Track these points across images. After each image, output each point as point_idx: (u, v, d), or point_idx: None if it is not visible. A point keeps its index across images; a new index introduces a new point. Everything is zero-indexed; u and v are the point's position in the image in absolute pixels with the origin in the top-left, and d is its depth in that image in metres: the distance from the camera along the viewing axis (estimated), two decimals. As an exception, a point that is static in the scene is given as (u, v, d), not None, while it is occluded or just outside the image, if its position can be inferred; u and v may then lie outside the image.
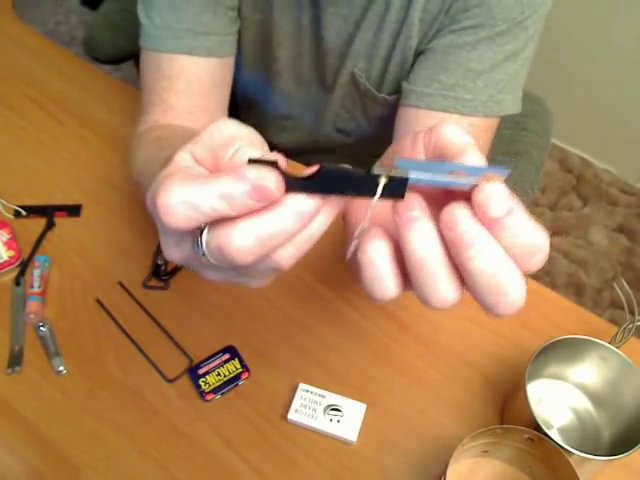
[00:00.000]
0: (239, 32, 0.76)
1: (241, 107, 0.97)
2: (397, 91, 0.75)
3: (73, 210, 0.78)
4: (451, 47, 0.67)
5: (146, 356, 0.66)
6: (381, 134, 0.87)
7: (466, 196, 0.31)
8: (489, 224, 0.30)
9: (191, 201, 0.30)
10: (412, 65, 0.72)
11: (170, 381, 0.65)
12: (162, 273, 0.72)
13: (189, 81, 0.69)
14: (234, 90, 0.91)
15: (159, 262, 0.73)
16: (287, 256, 0.32)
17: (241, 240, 0.30)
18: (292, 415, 0.62)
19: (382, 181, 0.30)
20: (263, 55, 0.82)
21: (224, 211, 0.30)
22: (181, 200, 0.30)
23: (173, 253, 0.36)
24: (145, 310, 0.70)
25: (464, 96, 0.67)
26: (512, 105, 0.70)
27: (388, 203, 0.31)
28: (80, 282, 0.72)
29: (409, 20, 0.68)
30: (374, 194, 0.30)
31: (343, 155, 0.95)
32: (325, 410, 0.62)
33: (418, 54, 0.71)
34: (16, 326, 0.68)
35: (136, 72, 1.28)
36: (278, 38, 0.77)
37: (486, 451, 0.59)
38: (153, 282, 0.72)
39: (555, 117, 1.06)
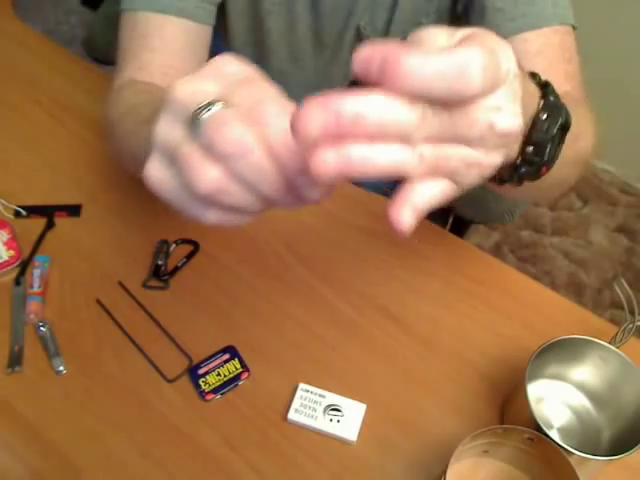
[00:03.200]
0: (226, 7, 0.76)
1: None
2: (404, 37, 0.75)
3: (73, 210, 0.78)
4: None
5: (146, 356, 0.66)
6: None
7: None
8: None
9: None
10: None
11: (170, 381, 0.65)
12: (162, 273, 0.72)
13: (164, 39, 0.68)
14: None
15: (159, 262, 0.73)
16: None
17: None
18: (292, 415, 0.62)
19: None
20: (254, 30, 0.80)
21: None
22: None
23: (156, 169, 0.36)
24: (145, 310, 0.70)
25: (531, 9, 0.65)
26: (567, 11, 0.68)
27: None
28: (80, 282, 0.72)
29: None
30: None
31: None
32: (325, 410, 0.62)
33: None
34: (16, 326, 0.68)
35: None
36: (267, 5, 0.76)
37: (486, 451, 0.59)
38: (153, 282, 0.72)
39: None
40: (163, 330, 0.68)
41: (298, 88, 0.87)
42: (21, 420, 0.63)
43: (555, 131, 0.42)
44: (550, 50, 0.67)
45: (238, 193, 0.34)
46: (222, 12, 0.82)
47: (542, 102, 0.41)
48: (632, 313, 0.60)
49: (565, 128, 0.43)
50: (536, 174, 0.44)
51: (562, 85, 0.61)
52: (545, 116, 0.41)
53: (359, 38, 0.78)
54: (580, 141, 0.54)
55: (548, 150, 0.42)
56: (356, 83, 0.30)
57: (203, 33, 0.72)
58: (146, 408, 0.63)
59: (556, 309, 0.71)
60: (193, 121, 0.34)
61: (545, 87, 0.43)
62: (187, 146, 0.34)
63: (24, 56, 0.96)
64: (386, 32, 0.76)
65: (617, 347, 0.59)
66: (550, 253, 1.74)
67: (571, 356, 0.62)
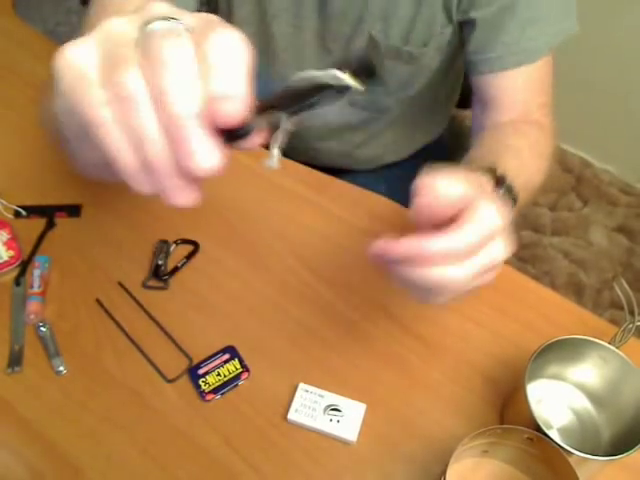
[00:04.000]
0: (231, 12, 0.76)
1: None
2: (425, 44, 0.77)
3: (73, 210, 0.78)
4: (501, 9, 0.70)
5: (146, 356, 0.66)
6: (393, 105, 0.87)
7: None
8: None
9: None
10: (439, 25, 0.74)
11: (170, 381, 0.65)
12: (162, 273, 0.72)
13: None
14: None
15: (159, 262, 0.73)
16: None
17: None
18: (292, 415, 0.62)
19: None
20: (259, 35, 0.80)
21: None
22: None
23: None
24: (144, 310, 0.70)
25: (530, 45, 0.72)
26: (569, 25, 0.75)
27: None
28: (80, 282, 0.72)
29: None
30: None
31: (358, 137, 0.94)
32: (325, 410, 0.62)
33: (462, 20, 0.74)
34: (16, 326, 0.68)
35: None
36: (273, 10, 0.75)
37: (486, 451, 0.59)
38: (153, 282, 0.72)
39: (555, 117, 1.07)
40: (163, 330, 0.68)
41: None
42: (21, 420, 0.63)
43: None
44: (530, 85, 0.76)
45: (116, 137, 0.32)
46: (227, 18, 0.82)
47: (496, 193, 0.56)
48: (632, 313, 0.60)
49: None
50: None
51: (533, 114, 0.76)
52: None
53: (371, 46, 0.77)
54: (527, 189, 0.67)
55: None
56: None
57: None
58: (146, 408, 0.63)
59: (556, 309, 0.71)
60: (146, 24, 0.33)
61: (501, 181, 0.57)
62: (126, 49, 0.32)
63: (24, 56, 0.96)
64: (405, 42, 0.76)
65: (617, 347, 0.59)
66: (550, 253, 1.74)
67: (571, 356, 0.62)
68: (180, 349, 0.67)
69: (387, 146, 0.98)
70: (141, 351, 0.67)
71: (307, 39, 0.78)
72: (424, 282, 0.45)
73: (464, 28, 0.75)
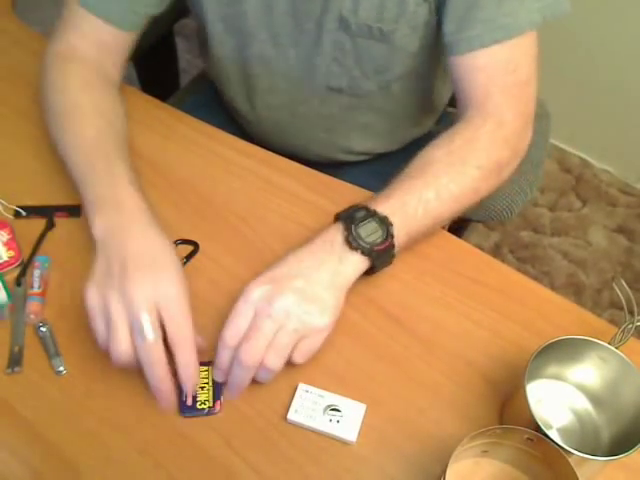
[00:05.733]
0: None
1: (224, 90, 0.96)
2: (395, 21, 0.76)
3: (73, 210, 0.78)
4: None
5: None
6: (374, 92, 0.87)
7: None
8: None
9: None
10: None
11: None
12: (162, 273, 0.72)
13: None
14: (216, 70, 0.92)
15: (159, 262, 0.73)
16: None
17: None
18: (292, 415, 0.62)
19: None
20: (232, 17, 0.81)
21: None
22: None
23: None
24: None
25: (507, 21, 0.70)
26: (558, 2, 0.72)
27: None
28: (80, 282, 0.72)
29: None
30: None
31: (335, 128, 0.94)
32: (325, 410, 0.62)
33: None
34: (16, 326, 0.68)
35: (135, 73, 1.28)
36: None
37: (486, 451, 0.59)
38: (153, 282, 0.72)
39: (554, 117, 1.07)
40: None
41: (283, 81, 0.87)
42: (21, 420, 0.63)
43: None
44: (493, 66, 0.73)
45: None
46: (198, 2, 0.82)
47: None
48: (632, 313, 0.60)
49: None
50: (389, 257, 0.67)
51: (496, 97, 0.73)
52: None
53: (343, 26, 0.77)
54: (460, 199, 0.70)
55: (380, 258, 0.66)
56: None
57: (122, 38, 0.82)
58: (146, 408, 0.63)
59: (556, 309, 0.72)
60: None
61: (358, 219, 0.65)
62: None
63: (24, 56, 0.96)
64: (376, 20, 0.75)
65: (616, 347, 0.59)
66: (549, 253, 1.74)
67: (571, 356, 0.62)
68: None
69: (376, 137, 0.98)
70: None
71: (280, 18, 0.79)
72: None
73: (439, 7, 0.74)
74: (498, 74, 0.73)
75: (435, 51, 0.83)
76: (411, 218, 0.67)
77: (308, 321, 0.61)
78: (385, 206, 0.66)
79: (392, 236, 0.65)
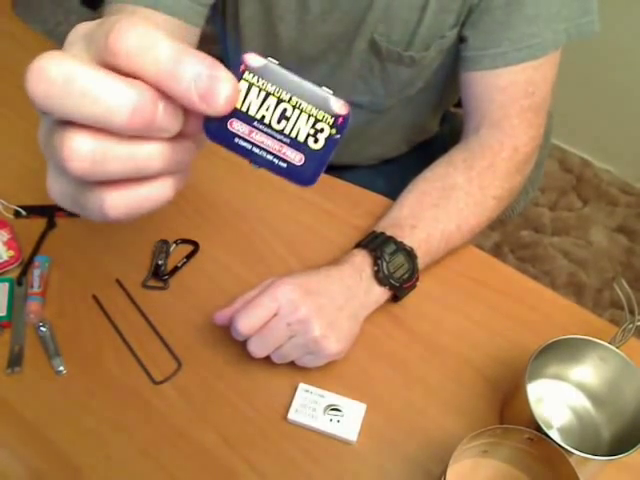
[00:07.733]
0: (238, 12, 0.76)
1: None
2: (426, 49, 0.76)
3: (73, 210, 0.78)
4: (507, 4, 0.69)
5: (135, 355, 0.66)
6: (394, 106, 0.87)
7: None
8: None
9: None
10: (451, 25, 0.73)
11: (157, 383, 0.65)
12: (162, 273, 0.72)
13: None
14: None
15: (159, 262, 0.73)
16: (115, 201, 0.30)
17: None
18: (292, 415, 0.62)
19: None
20: (265, 35, 0.80)
21: None
22: None
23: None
24: (139, 310, 0.70)
25: (534, 42, 0.70)
26: (584, 22, 0.72)
27: None
28: (80, 282, 0.72)
29: None
30: None
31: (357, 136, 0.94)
32: (325, 410, 0.62)
33: (468, 13, 0.72)
34: (16, 326, 0.68)
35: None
36: (279, 11, 0.76)
37: (486, 451, 0.59)
38: (153, 282, 0.72)
39: (555, 117, 1.06)
40: (155, 331, 0.68)
41: None
42: (21, 420, 0.63)
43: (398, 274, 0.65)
44: (513, 87, 0.73)
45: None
46: (234, 19, 0.82)
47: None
48: (632, 313, 0.60)
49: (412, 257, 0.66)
50: (410, 286, 0.67)
51: (513, 120, 0.74)
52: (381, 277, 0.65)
53: (374, 50, 0.78)
54: (475, 229, 0.72)
55: (399, 282, 0.66)
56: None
57: (189, 34, 0.71)
58: (146, 408, 0.63)
59: (556, 309, 0.71)
60: None
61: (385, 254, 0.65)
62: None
63: (24, 56, 0.96)
64: (408, 44, 0.76)
65: (617, 347, 0.59)
66: (550, 253, 1.74)
67: (571, 356, 0.62)
68: (170, 352, 0.67)
69: (389, 145, 0.98)
70: (131, 351, 0.66)
71: (312, 41, 0.79)
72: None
73: (466, 24, 0.74)
74: (517, 96, 0.73)
75: (453, 63, 0.83)
76: (433, 251, 0.70)
77: (322, 344, 0.61)
78: (412, 239, 0.67)
79: (417, 270, 0.67)
